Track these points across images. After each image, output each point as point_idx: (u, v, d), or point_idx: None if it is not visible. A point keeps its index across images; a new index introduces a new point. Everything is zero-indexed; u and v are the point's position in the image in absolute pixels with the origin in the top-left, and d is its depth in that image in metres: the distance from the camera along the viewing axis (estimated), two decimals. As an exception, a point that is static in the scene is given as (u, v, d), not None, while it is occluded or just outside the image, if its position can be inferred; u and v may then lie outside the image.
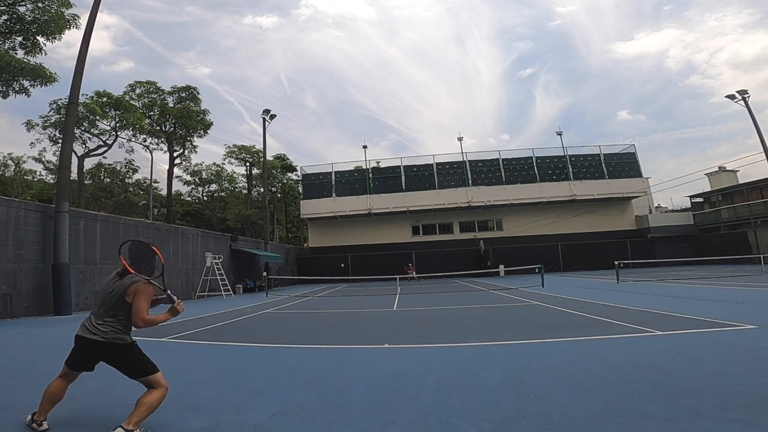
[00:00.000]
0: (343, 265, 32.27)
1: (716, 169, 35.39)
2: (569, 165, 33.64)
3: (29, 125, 24.33)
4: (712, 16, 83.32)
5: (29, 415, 2.95)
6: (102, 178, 34.59)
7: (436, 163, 34.98)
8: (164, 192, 34.98)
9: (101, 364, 3.00)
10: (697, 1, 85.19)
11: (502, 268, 26.56)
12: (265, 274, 21.01)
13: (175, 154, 30.51)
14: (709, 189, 34.29)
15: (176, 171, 32.62)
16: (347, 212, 33.97)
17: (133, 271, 3.03)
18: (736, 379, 3.51)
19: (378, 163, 38.58)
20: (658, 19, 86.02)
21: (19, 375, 4.57)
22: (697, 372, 3.80)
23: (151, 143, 29.51)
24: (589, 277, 22.00)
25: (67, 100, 15.16)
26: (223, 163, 38.68)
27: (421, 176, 34.73)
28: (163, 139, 29.70)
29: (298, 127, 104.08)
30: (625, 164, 33.97)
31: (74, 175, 23.27)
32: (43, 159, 32.04)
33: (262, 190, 34.29)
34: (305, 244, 44.45)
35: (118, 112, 24.69)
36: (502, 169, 34.04)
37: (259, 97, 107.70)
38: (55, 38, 16.37)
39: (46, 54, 16.79)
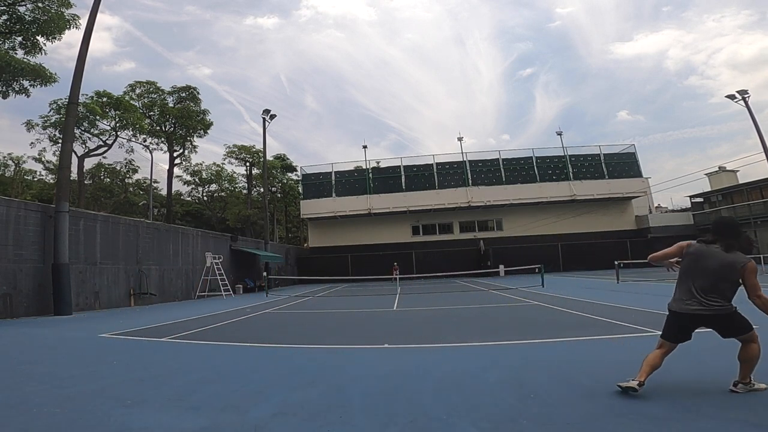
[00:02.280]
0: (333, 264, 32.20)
1: (716, 169, 35.40)
2: (569, 165, 33.64)
3: (29, 125, 24.35)
4: (710, 17, 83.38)
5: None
6: (102, 178, 34.57)
7: (436, 163, 34.99)
8: (164, 192, 35.00)
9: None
10: (695, 2, 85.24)
11: (502, 268, 26.55)
12: (265, 274, 21.02)
13: (175, 154, 30.52)
14: (709, 189, 34.30)
15: (176, 171, 32.68)
16: (347, 212, 33.98)
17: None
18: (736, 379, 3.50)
19: (378, 163, 38.61)
20: (657, 20, 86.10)
21: (19, 375, 4.57)
22: (697, 372, 3.81)
23: (151, 143, 29.53)
24: (589, 277, 22.01)
25: (67, 100, 15.16)
26: (223, 163, 38.73)
27: (421, 176, 34.73)
28: (163, 139, 29.70)
29: (298, 127, 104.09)
30: (625, 164, 33.98)
31: (74, 175, 23.27)
32: (43, 159, 32.05)
33: (262, 190, 34.29)
34: (305, 244, 44.48)
35: (118, 112, 24.69)
36: (502, 169, 34.05)
37: (259, 97, 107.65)
38: (55, 38, 16.38)
39: (46, 54, 16.81)
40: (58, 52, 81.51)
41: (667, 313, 3.41)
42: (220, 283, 19.27)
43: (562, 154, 34.30)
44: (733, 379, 3.20)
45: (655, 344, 3.43)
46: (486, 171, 34.32)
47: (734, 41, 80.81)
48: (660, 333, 3.49)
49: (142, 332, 7.78)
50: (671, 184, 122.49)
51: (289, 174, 44.34)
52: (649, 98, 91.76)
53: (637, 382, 3.10)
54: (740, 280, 3.12)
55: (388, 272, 28.08)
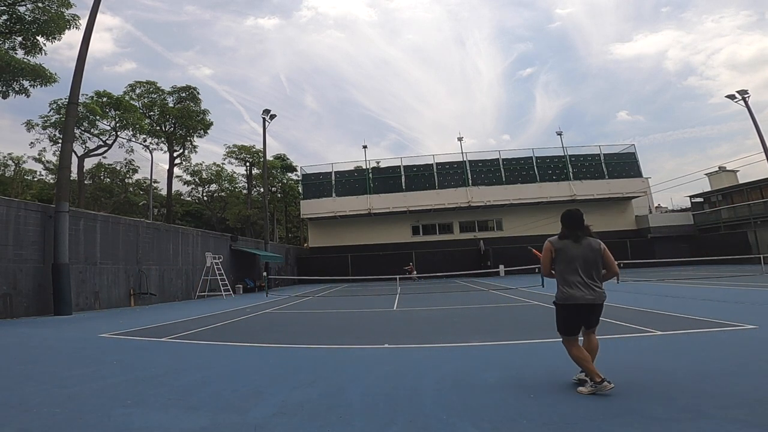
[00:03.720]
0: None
1: (716, 169, 35.43)
2: (569, 165, 33.64)
3: (29, 125, 24.36)
4: (709, 18, 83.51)
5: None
6: (102, 178, 34.59)
7: (436, 163, 34.98)
8: (164, 192, 35.02)
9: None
10: (695, 2, 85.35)
11: (502, 268, 26.55)
12: (265, 274, 21.01)
13: (175, 154, 30.52)
14: (709, 189, 34.31)
15: (176, 171, 32.68)
16: (347, 212, 33.97)
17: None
18: (736, 379, 3.51)
19: (378, 163, 38.59)
20: (656, 21, 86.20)
21: (19, 375, 4.57)
22: (697, 372, 3.80)
23: (151, 143, 29.53)
24: (589, 277, 21.92)
25: (67, 100, 15.16)
26: (223, 163, 38.72)
27: (421, 176, 34.72)
28: (163, 139, 29.70)
29: (298, 127, 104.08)
30: (625, 164, 33.96)
31: (74, 175, 23.27)
32: (43, 159, 32.11)
33: (262, 190, 34.28)
34: (305, 244, 44.47)
35: (118, 112, 24.70)
36: (502, 169, 34.04)
37: (259, 97, 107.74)
38: (55, 38, 16.38)
39: (46, 54, 16.83)
40: (59, 52, 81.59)
41: (559, 308, 3.53)
42: (220, 283, 19.27)
43: (562, 154, 34.30)
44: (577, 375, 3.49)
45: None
46: (486, 171, 34.31)
47: (733, 42, 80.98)
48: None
49: (142, 332, 7.78)
50: (671, 184, 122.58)
51: (289, 174, 44.36)
52: (649, 98, 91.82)
53: (604, 380, 3.21)
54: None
55: (403, 271, 28.57)
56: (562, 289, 3.46)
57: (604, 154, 34.24)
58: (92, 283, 13.64)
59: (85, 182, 28.78)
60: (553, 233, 3.79)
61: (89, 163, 29.43)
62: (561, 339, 3.53)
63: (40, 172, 37.07)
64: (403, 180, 34.76)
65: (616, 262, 3.55)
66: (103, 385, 4.06)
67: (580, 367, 3.38)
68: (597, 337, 3.65)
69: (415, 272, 29.44)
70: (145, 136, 28.11)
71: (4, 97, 16.74)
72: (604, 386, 3.17)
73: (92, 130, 24.80)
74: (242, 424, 2.89)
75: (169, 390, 3.83)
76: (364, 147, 37.06)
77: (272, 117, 28.14)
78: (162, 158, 79.21)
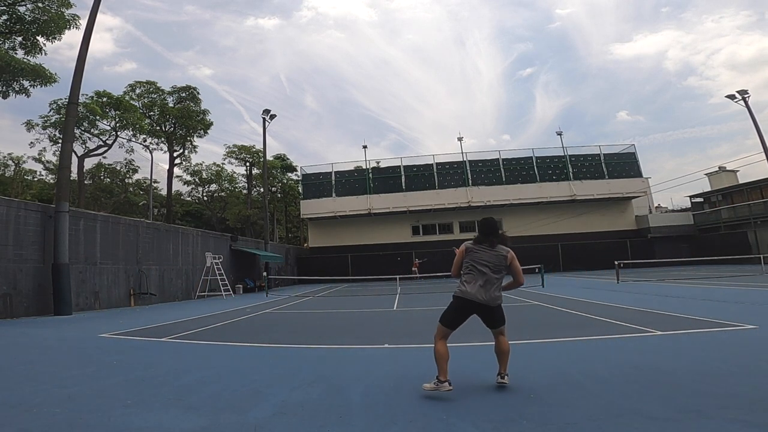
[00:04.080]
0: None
1: (716, 169, 35.39)
2: (569, 165, 33.63)
3: (29, 125, 24.36)
4: (709, 18, 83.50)
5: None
6: (102, 178, 34.59)
7: (436, 163, 34.97)
8: (164, 192, 35.02)
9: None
10: (695, 2, 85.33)
11: (502, 268, 26.48)
12: (265, 274, 21.01)
13: (175, 154, 30.52)
14: (709, 189, 34.28)
15: (176, 171, 32.67)
16: (347, 212, 33.96)
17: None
18: (736, 379, 3.51)
19: (378, 163, 38.58)
20: (656, 21, 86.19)
21: (19, 375, 4.57)
22: (697, 372, 3.80)
23: (151, 143, 29.54)
24: (589, 277, 22.01)
25: (67, 100, 15.16)
26: (223, 163, 38.72)
27: (421, 176, 34.71)
28: (163, 139, 29.70)
29: (298, 127, 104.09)
30: (625, 164, 33.95)
31: (74, 175, 23.27)
32: (43, 159, 32.10)
33: (262, 190, 34.27)
34: (305, 244, 44.46)
35: (118, 112, 24.69)
36: (502, 169, 34.03)
37: (259, 97, 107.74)
38: (55, 38, 16.38)
39: (46, 54, 16.82)
40: (60, 52, 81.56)
41: (453, 299, 3.66)
42: (220, 283, 19.27)
43: (562, 154, 34.29)
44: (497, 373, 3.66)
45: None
46: (486, 171, 34.30)
47: (733, 42, 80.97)
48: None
49: (142, 332, 7.78)
50: (671, 184, 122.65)
51: (289, 174, 44.35)
52: (649, 98, 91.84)
53: (447, 381, 3.38)
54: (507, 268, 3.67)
55: (409, 270, 28.50)
56: (461, 285, 3.63)
57: (604, 154, 34.24)
58: (92, 283, 13.64)
59: (85, 182, 28.78)
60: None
61: (89, 163, 29.48)
62: (437, 330, 3.67)
63: (40, 172, 37.13)
64: (403, 180, 34.76)
65: (522, 272, 3.74)
66: (103, 385, 4.06)
67: (435, 360, 3.51)
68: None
69: (417, 270, 29.17)
70: (145, 136, 28.12)
71: (4, 97, 16.74)
72: (444, 386, 3.36)
73: (92, 130, 24.81)
74: (242, 424, 2.89)
75: (169, 390, 3.83)
76: (364, 147, 37.10)
77: (272, 117, 28.13)
78: (162, 158, 79.22)
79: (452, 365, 4.49)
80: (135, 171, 34.11)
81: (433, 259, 30.92)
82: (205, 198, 41.02)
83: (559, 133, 35.08)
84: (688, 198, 35.94)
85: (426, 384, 3.47)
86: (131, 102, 26.48)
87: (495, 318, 3.63)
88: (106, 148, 25.94)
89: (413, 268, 29.40)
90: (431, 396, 3.41)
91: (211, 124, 30.44)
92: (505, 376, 3.59)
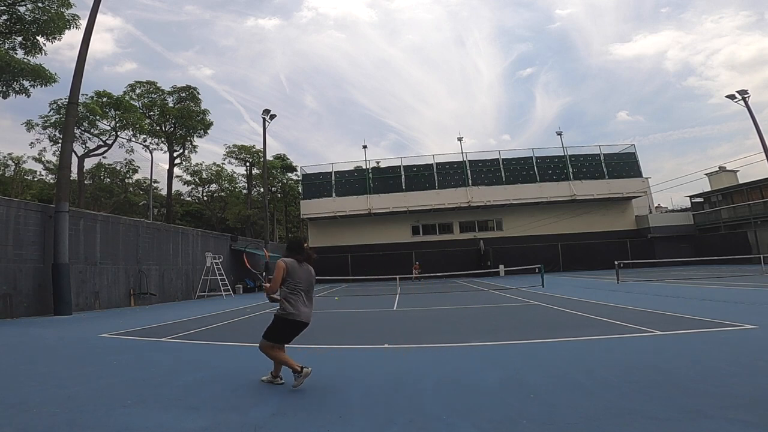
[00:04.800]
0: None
1: (716, 169, 35.37)
2: (569, 165, 33.62)
3: (29, 125, 24.37)
4: (709, 18, 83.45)
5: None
6: (102, 178, 34.58)
7: (436, 163, 34.95)
8: (164, 192, 35.03)
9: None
10: (694, 3, 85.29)
11: (501, 268, 26.57)
12: (264, 274, 21.00)
13: (175, 154, 30.53)
14: (709, 189, 34.28)
15: (176, 171, 32.70)
16: (347, 212, 33.94)
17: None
18: (736, 379, 3.51)
19: (378, 163, 38.55)
20: (656, 22, 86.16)
21: (18, 375, 4.57)
22: (697, 372, 3.80)
23: (151, 143, 29.54)
24: (589, 277, 22.01)
25: (67, 100, 15.16)
26: (223, 163, 38.76)
27: (421, 176, 34.71)
28: (163, 139, 29.71)
29: (297, 127, 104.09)
30: (625, 164, 33.94)
31: (74, 175, 23.27)
32: (43, 159, 32.06)
33: (262, 190, 34.28)
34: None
35: (118, 112, 24.71)
36: (502, 169, 34.02)
37: (259, 97, 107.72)
38: (55, 38, 16.39)
39: (46, 54, 16.83)
40: (60, 53, 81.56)
41: (280, 320, 3.83)
42: (220, 283, 19.27)
43: (562, 154, 34.27)
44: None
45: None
46: (486, 171, 34.29)
47: (732, 42, 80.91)
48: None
49: (142, 332, 7.78)
50: (671, 184, 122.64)
51: (289, 174, 44.34)
52: (649, 99, 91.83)
53: (279, 375, 3.89)
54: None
55: (410, 272, 28.57)
56: (287, 305, 3.78)
57: (604, 154, 34.22)
58: (92, 283, 13.64)
59: (85, 182, 28.79)
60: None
61: (89, 163, 29.47)
62: (263, 343, 3.84)
63: (40, 172, 37.14)
64: (403, 180, 34.74)
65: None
66: (103, 385, 4.06)
67: (284, 364, 3.81)
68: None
69: (417, 272, 29.24)
70: (145, 136, 28.13)
71: (5, 97, 16.75)
72: (277, 380, 3.88)
73: (92, 130, 24.81)
74: (242, 424, 2.89)
75: (169, 390, 3.83)
76: (364, 147, 37.07)
77: (272, 117, 28.12)
78: (162, 158, 79.23)
79: (452, 365, 4.50)
80: (135, 171, 34.14)
81: (433, 259, 30.93)
82: (205, 198, 41.03)
83: (559, 133, 35.10)
84: (688, 198, 35.96)
85: (264, 377, 3.97)
86: (131, 102, 26.49)
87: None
88: (106, 148, 25.97)
89: (414, 270, 29.41)
90: (431, 396, 3.41)
91: (211, 124, 30.48)
92: (269, 376, 3.93)
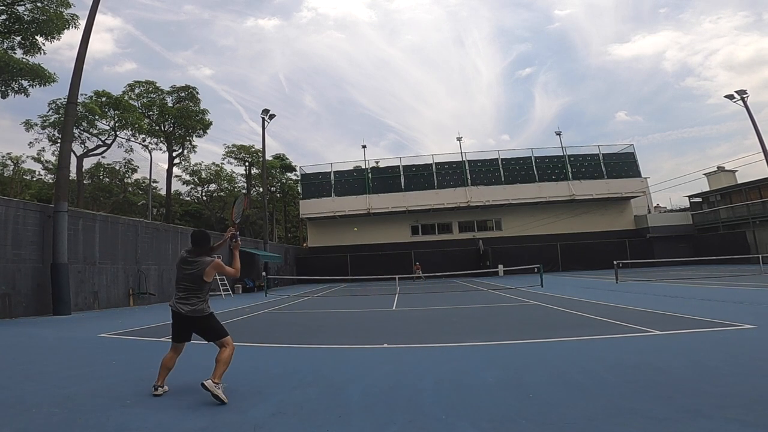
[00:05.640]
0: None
1: (715, 169, 35.43)
2: (568, 165, 33.66)
3: (28, 125, 24.32)
4: (707, 19, 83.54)
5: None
6: (101, 177, 34.53)
7: (435, 163, 34.98)
8: (163, 192, 34.97)
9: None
10: (693, 3, 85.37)
11: (501, 267, 26.54)
12: (264, 273, 21.00)
13: (174, 154, 30.48)
14: (708, 189, 34.33)
15: (175, 171, 32.65)
16: (346, 212, 33.95)
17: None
18: (735, 379, 3.52)
19: (377, 162, 38.58)
20: (654, 22, 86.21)
21: (18, 375, 4.56)
22: (696, 372, 3.81)
23: (150, 143, 29.49)
24: (588, 277, 22.03)
25: (66, 100, 15.13)
26: (222, 163, 38.72)
27: (420, 176, 34.72)
28: (162, 139, 29.67)
29: (297, 127, 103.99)
30: (623, 164, 33.99)
31: (73, 175, 23.25)
32: (42, 159, 32.02)
33: (261, 189, 34.25)
34: (304, 244, 44.44)
35: (117, 111, 24.66)
36: (501, 169, 34.05)
37: (258, 97, 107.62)
38: (53, 38, 16.35)
39: (45, 54, 16.79)
40: (60, 53, 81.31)
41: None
42: (219, 283, 19.26)
43: (561, 154, 34.31)
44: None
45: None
46: (485, 171, 34.32)
47: (731, 42, 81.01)
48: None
49: (142, 332, 7.77)
50: (670, 184, 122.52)
51: (289, 174, 44.31)
52: (648, 99, 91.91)
53: (160, 384, 3.63)
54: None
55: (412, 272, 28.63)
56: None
57: (603, 154, 34.27)
58: (91, 282, 13.62)
59: (84, 182, 28.74)
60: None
61: (88, 163, 29.42)
62: None
63: (39, 171, 37.05)
64: (402, 180, 34.76)
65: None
66: (103, 385, 4.05)
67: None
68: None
69: (419, 271, 29.23)
70: (144, 135, 28.08)
71: (4, 97, 16.72)
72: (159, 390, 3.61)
73: (91, 130, 24.77)
74: (242, 424, 2.89)
75: (168, 390, 3.82)
76: (364, 147, 37.08)
77: (271, 117, 28.12)
78: (161, 158, 79.20)
79: (452, 365, 4.51)
80: (134, 171, 34.09)
81: (432, 259, 30.93)
82: (204, 198, 40.99)
83: (558, 133, 35.16)
84: (687, 198, 36.03)
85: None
86: (130, 102, 26.44)
87: (205, 330, 3.80)
88: (105, 148, 25.92)
89: (416, 270, 29.36)
90: (430, 396, 3.42)
91: (210, 123, 30.44)
92: (216, 385, 3.41)
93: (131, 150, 29.81)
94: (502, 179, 33.69)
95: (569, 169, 33.46)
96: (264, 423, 2.91)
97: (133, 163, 32.63)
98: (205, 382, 3.36)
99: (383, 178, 35.20)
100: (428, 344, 5.83)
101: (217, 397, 3.30)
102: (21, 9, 15.70)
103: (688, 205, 36.57)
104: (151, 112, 28.66)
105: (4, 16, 15.67)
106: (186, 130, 29.70)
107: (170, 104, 29.10)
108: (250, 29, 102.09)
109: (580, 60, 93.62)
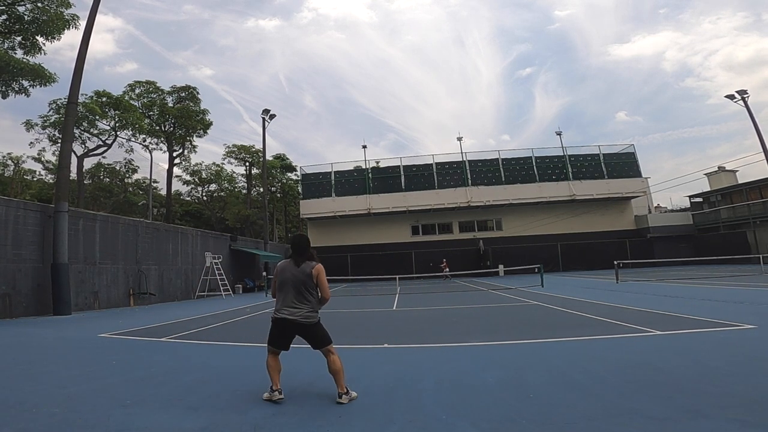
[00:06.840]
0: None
1: (715, 169, 35.39)
2: (568, 165, 33.64)
3: (29, 125, 24.31)
4: (706, 19, 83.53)
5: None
6: (101, 177, 34.54)
7: (436, 163, 34.96)
8: (164, 192, 34.96)
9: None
10: (692, 4, 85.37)
11: (501, 267, 26.51)
12: (264, 273, 21.01)
13: (174, 154, 30.48)
14: (709, 189, 34.31)
15: (176, 171, 32.64)
16: (347, 212, 33.94)
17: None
18: (735, 379, 3.51)
19: (377, 162, 38.56)
20: (654, 22, 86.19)
21: (18, 375, 4.56)
22: (697, 372, 3.81)
23: (150, 143, 29.49)
24: (588, 277, 22.02)
25: (66, 100, 15.14)
26: (222, 163, 38.68)
27: (420, 176, 34.71)
28: (162, 139, 29.67)
29: (297, 127, 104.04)
30: (624, 164, 33.96)
31: (73, 175, 23.24)
32: (43, 159, 32.05)
33: (261, 189, 34.24)
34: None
35: (117, 111, 24.66)
36: (501, 169, 34.03)
37: (258, 97, 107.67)
38: (54, 38, 16.35)
39: (45, 54, 16.79)
40: (61, 53, 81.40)
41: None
42: (220, 283, 19.26)
43: (562, 154, 34.28)
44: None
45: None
46: (485, 171, 34.30)
47: (730, 43, 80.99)
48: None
49: (142, 332, 7.77)
50: (670, 184, 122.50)
51: (289, 174, 44.30)
52: (648, 99, 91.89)
53: (278, 389, 3.41)
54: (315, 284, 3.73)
55: (438, 269, 27.18)
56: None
57: (603, 154, 34.24)
58: (91, 283, 13.63)
59: (85, 182, 28.75)
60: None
61: (89, 163, 29.43)
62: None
63: (40, 171, 37.08)
64: (402, 180, 34.74)
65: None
66: (103, 385, 4.05)
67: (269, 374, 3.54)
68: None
69: (447, 269, 26.98)
70: (144, 135, 28.08)
71: (4, 97, 16.72)
72: (274, 395, 3.38)
73: (92, 130, 24.77)
74: (242, 424, 2.89)
75: (168, 390, 3.82)
76: (364, 147, 37.03)
77: (272, 117, 28.12)
78: (161, 158, 79.37)
79: (452, 365, 4.50)
80: (134, 171, 34.11)
81: (432, 259, 30.90)
82: (205, 198, 40.99)
83: (559, 133, 35.11)
84: (688, 198, 36.00)
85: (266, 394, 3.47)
86: (131, 102, 26.45)
87: (309, 336, 3.61)
88: (105, 148, 25.92)
89: (444, 269, 27.19)
90: (431, 396, 3.42)
91: (211, 123, 30.44)
92: (343, 396, 3.35)
93: (131, 150, 29.85)
94: (503, 179, 33.66)
95: (570, 169, 33.44)
96: (264, 423, 2.91)
97: (133, 163, 32.70)
98: (339, 400, 3.31)
99: (383, 178, 35.18)
100: (428, 344, 5.83)
101: (350, 400, 3.35)
102: (21, 9, 15.70)
103: (689, 205, 36.55)
104: (151, 112, 28.66)
105: (4, 17, 15.67)
106: (186, 130, 29.70)
107: (170, 104, 29.11)
108: (250, 29, 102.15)
109: (580, 60, 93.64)
